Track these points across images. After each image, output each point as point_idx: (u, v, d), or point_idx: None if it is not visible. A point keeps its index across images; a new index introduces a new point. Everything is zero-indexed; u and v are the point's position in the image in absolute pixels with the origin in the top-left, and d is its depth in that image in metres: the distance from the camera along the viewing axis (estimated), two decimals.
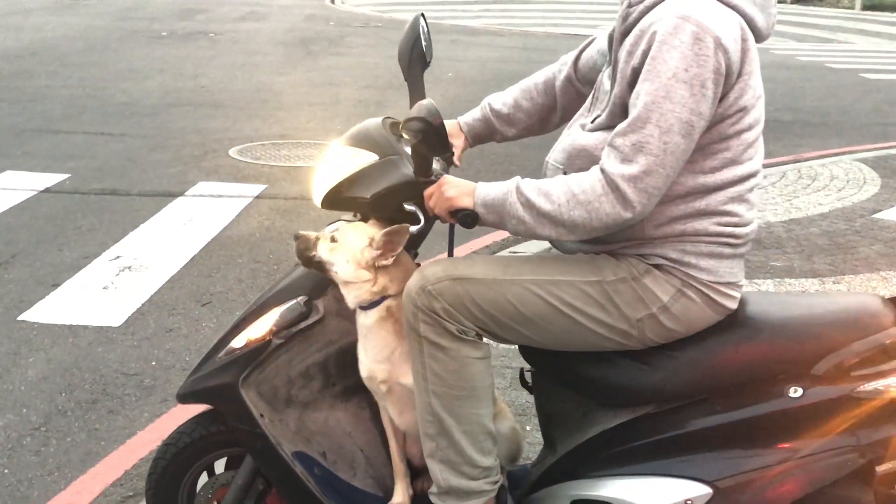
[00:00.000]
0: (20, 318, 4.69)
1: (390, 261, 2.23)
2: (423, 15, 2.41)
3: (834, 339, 2.06)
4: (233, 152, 8.05)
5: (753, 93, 2.04)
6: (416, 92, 2.34)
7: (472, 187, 2.12)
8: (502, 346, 3.09)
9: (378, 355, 2.29)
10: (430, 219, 2.25)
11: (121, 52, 13.56)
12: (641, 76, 1.95)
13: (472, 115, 2.56)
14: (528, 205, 2.01)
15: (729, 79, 1.97)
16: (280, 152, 8.11)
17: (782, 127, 9.51)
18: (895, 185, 7.24)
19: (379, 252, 2.22)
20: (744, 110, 2.02)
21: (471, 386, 2.16)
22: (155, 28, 16.52)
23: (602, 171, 1.97)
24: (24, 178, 7.14)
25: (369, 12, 21.16)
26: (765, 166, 7.52)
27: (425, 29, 2.39)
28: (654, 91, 1.92)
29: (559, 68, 2.51)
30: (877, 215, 6.38)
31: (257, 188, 7.03)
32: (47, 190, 6.88)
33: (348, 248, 2.23)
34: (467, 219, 2.10)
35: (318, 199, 2.34)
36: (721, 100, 1.98)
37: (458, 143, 2.51)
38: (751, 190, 2.12)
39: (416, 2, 22.72)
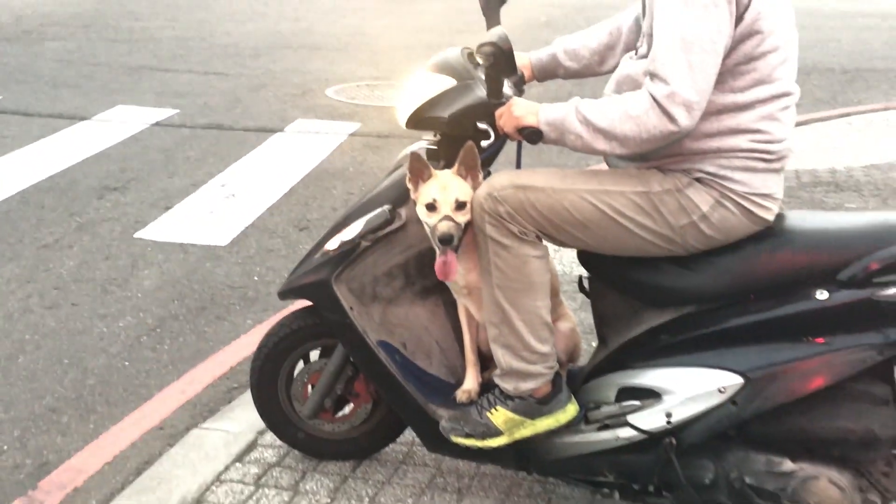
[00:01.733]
0: (136, 235, 5.17)
1: (480, 179, 2.50)
2: None
3: (858, 249, 2.25)
4: (329, 92, 8.41)
5: (773, 17, 2.20)
6: (493, 26, 2.53)
7: (537, 108, 2.35)
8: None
9: (464, 263, 2.55)
10: (501, 136, 2.49)
11: None
12: (659, 4, 2.17)
13: (542, 51, 2.80)
14: (586, 121, 2.23)
15: (740, 1, 2.14)
16: (373, 93, 8.43)
17: (877, 76, 9.42)
18: None
19: (472, 180, 2.49)
20: (763, 33, 2.18)
21: (529, 280, 2.41)
22: None
23: (647, 90, 2.18)
24: (136, 113, 7.64)
25: None
26: (857, 113, 7.65)
27: None
28: (672, 16, 2.13)
29: (630, 11, 2.74)
30: None
31: (352, 126, 7.37)
32: (157, 123, 7.36)
33: (466, 198, 2.47)
34: (532, 135, 2.34)
35: (402, 120, 2.59)
36: (739, 21, 2.15)
37: (524, 71, 2.76)
38: (783, 109, 2.28)
39: None
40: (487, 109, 2.44)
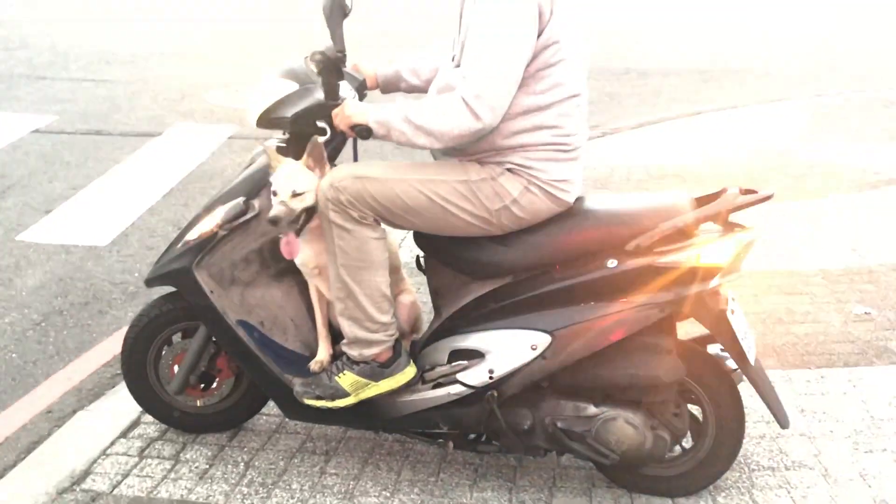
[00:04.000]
0: (18, 238, 5.35)
1: (327, 170, 2.83)
2: None
3: (643, 225, 2.65)
4: (207, 96, 8.65)
5: (566, 30, 2.56)
6: (337, 39, 2.84)
7: (367, 108, 2.69)
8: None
9: (314, 246, 2.89)
10: (337, 133, 2.84)
11: None
12: (475, 21, 2.52)
13: (387, 66, 3.12)
14: (407, 119, 2.57)
15: (542, 17, 2.50)
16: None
17: (731, 76, 10.09)
18: None
19: (319, 171, 2.83)
20: (559, 43, 2.54)
21: (369, 259, 2.74)
22: None
23: (458, 92, 2.53)
24: (14, 119, 7.73)
25: None
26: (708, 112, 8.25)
27: None
28: (482, 29, 2.50)
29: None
30: None
31: (230, 129, 7.62)
32: (37, 130, 7.49)
33: (307, 187, 2.76)
34: (363, 132, 2.68)
35: (252, 120, 2.92)
36: (539, 34, 2.51)
37: (369, 82, 3.10)
38: (576, 107, 2.66)
39: None
40: (324, 110, 2.80)
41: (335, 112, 2.76)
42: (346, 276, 2.74)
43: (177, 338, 3.26)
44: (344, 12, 2.86)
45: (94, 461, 3.21)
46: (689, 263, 2.60)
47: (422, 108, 2.58)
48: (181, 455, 3.25)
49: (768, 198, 2.63)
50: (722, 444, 2.87)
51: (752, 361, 2.73)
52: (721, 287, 2.69)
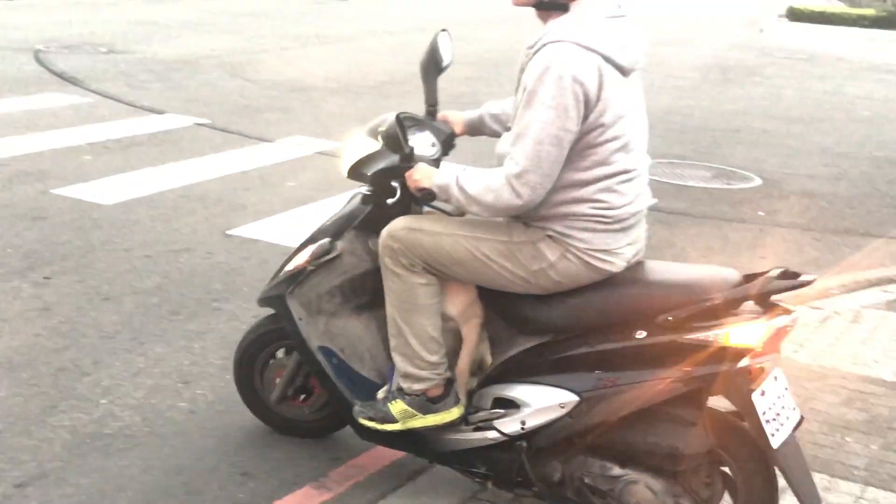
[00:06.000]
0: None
1: None
2: (445, 30, 3.16)
3: (677, 300, 2.70)
4: None
5: (614, 112, 2.67)
6: (430, 93, 3.15)
7: (432, 173, 2.87)
8: None
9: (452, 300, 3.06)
10: (407, 192, 3.00)
11: None
12: (522, 103, 2.65)
13: (473, 111, 3.30)
14: (461, 189, 2.76)
15: (588, 104, 2.61)
16: (674, 170, 8.28)
17: None
18: None
19: None
20: (604, 126, 2.66)
21: (416, 303, 2.92)
22: None
23: (504, 170, 2.69)
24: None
25: (796, 44, 19.96)
26: None
27: (447, 42, 3.14)
28: (529, 114, 2.62)
29: None
30: None
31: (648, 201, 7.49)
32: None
33: None
34: (427, 195, 2.90)
35: (343, 172, 3.12)
36: (585, 119, 2.63)
37: (457, 129, 3.28)
38: (621, 182, 2.76)
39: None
40: (398, 171, 2.99)
41: (407, 174, 2.96)
42: (396, 316, 2.96)
43: (281, 353, 3.54)
44: (439, 68, 3.14)
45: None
46: (716, 342, 2.64)
47: (475, 179, 2.77)
48: None
49: (809, 283, 2.66)
50: None
51: (774, 445, 2.67)
52: (756, 366, 2.70)
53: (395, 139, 2.97)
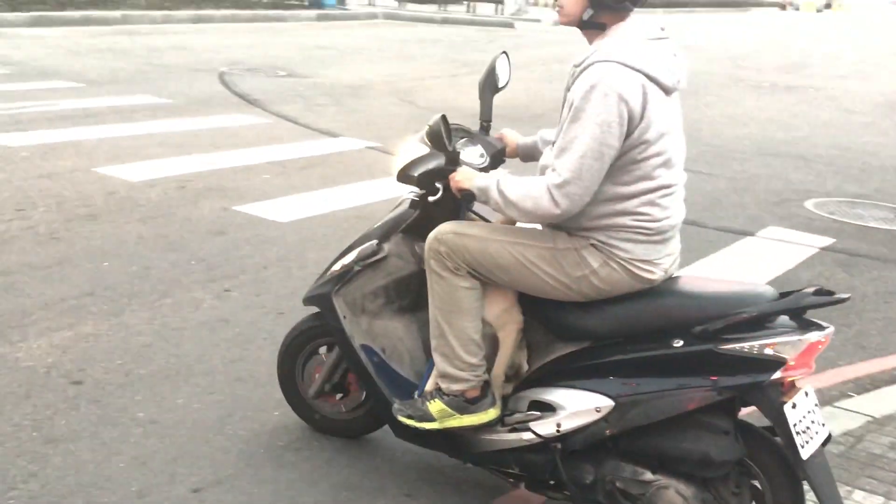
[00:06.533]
0: None
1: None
2: (505, 52, 3.33)
3: (711, 312, 2.79)
4: (808, 204, 8.03)
5: (657, 129, 2.75)
6: (485, 110, 3.32)
7: (473, 175, 2.99)
8: None
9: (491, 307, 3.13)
10: (450, 194, 3.12)
11: (722, 97, 14.06)
12: (569, 118, 2.74)
13: (528, 137, 3.42)
14: (501, 193, 2.86)
15: (632, 122, 2.71)
16: (853, 210, 7.98)
17: None
18: None
19: None
20: (647, 143, 2.75)
21: (459, 305, 3.00)
22: (758, 78, 16.91)
23: (546, 179, 2.78)
24: None
25: None
26: None
27: (506, 64, 3.32)
28: (574, 129, 2.72)
29: None
30: None
31: (825, 240, 6.94)
32: None
33: None
34: (468, 196, 3.04)
35: (394, 175, 3.23)
36: (629, 136, 2.72)
37: (510, 150, 3.42)
38: (662, 196, 2.84)
39: None
40: (442, 173, 3.12)
41: (451, 176, 3.09)
42: (439, 317, 3.05)
43: (324, 350, 3.64)
44: (496, 87, 3.32)
45: None
46: (749, 354, 2.72)
47: (515, 185, 2.86)
48: None
49: (844, 300, 2.72)
50: None
51: (804, 456, 2.72)
52: (788, 380, 2.76)
53: (439, 139, 3.03)
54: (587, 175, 2.73)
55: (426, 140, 3.10)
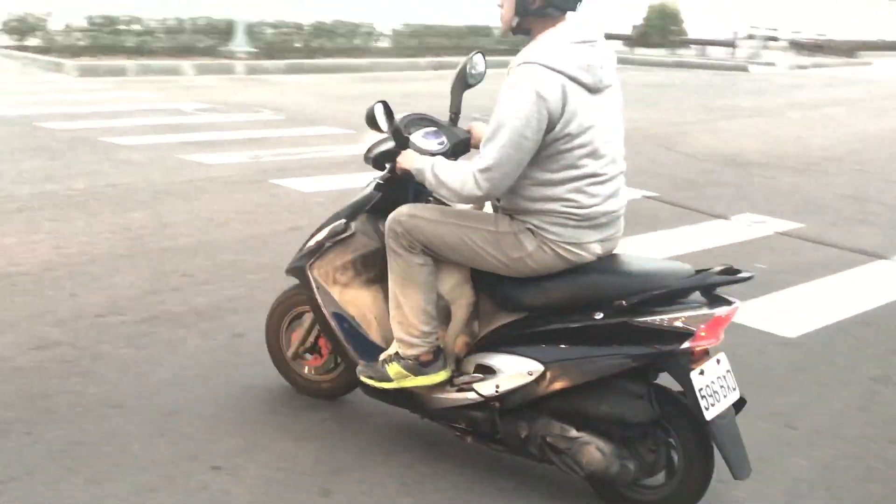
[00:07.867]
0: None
1: None
2: (481, 52, 3.65)
3: (634, 288, 3.13)
4: None
5: (579, 123, 3.09)
6: (454, 103, 3.67)
7: (414, 157, 3.36)
8: None
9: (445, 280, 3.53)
10: (396, 173, 3.50)
11: None
12: (495, 112, 3.09)
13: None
14: (434, 175, 3.24)
15: (552, 117, 3.04)
16: None
17: None
18: None
19: None
20: (570, 135, 3.09)
21: (413, 279, 3.39)
22: None
23: (472, 164, 3.14)
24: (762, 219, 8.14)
25: None
26: None
27: (481, 63, 3.62)
28: (497, 120, 3.08)
29: None
30: None
31: None
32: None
33: None
34: (408, 176, 3.39)
35: (363, 157, 3.65)
36: (550, 129, 3.06)
37: (474, 140, 3.69)
38: (590, 185, 3.17)
39: None
40: (390, 155, 3.52)
41: (398, 158, 3.46)
42: (396, 289, 3.44)
43: (307, 316, 4.05)
44: (466, 84, 3.63)
45: None
46: (660, 326, 3.08)
47: (447, 168, 3.25)
48: None
49: (747, 279, 3.10)
50: (688, 484, 3.23)
51: (708, 417, 3.05)
52: (698, 349, 3.09)
53: (373, 121, 3.37)
54: (506, 163, 3.09)
55: (367, 122, 3.44)
